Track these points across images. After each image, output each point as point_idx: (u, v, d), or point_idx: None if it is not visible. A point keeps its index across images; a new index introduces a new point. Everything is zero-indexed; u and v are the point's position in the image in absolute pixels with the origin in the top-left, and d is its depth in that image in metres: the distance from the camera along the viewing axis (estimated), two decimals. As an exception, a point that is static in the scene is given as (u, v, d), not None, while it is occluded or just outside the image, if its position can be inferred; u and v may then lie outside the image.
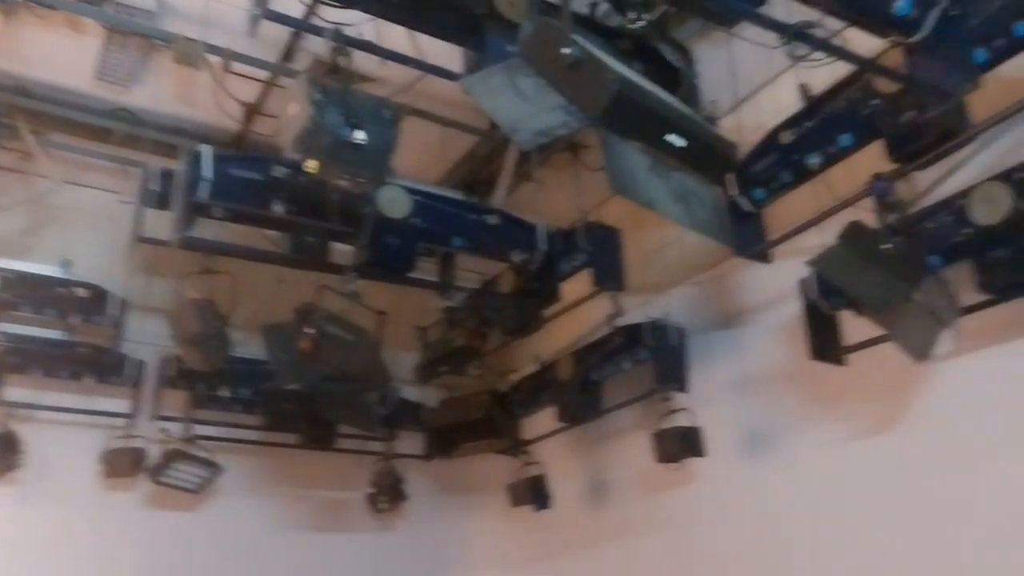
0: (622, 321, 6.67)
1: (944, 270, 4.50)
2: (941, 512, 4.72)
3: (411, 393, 8.27)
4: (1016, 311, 4.54)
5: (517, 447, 7.69)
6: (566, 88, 3.23)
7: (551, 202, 7.35)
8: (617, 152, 4.12)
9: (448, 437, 8.04)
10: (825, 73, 4.94)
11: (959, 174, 4.69)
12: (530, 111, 3.30)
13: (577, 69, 3.19)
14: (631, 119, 3.40)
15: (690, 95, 5.34)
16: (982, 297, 4.49)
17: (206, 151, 5.72)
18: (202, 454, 7.18)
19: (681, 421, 6.03)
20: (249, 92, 6.73)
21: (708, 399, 6.16)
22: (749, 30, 4.99)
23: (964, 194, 4.47)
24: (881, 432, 5.12)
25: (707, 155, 3.77)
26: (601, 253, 6.53)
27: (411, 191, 6.16)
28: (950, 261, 4.51)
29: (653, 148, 3.66)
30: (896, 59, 4.58)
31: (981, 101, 4.42)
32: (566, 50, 3.19)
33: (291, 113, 4.53)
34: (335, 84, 4.64)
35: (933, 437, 4.84)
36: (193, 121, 7.23)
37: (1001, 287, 4.43)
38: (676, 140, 3.48)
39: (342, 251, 6.51)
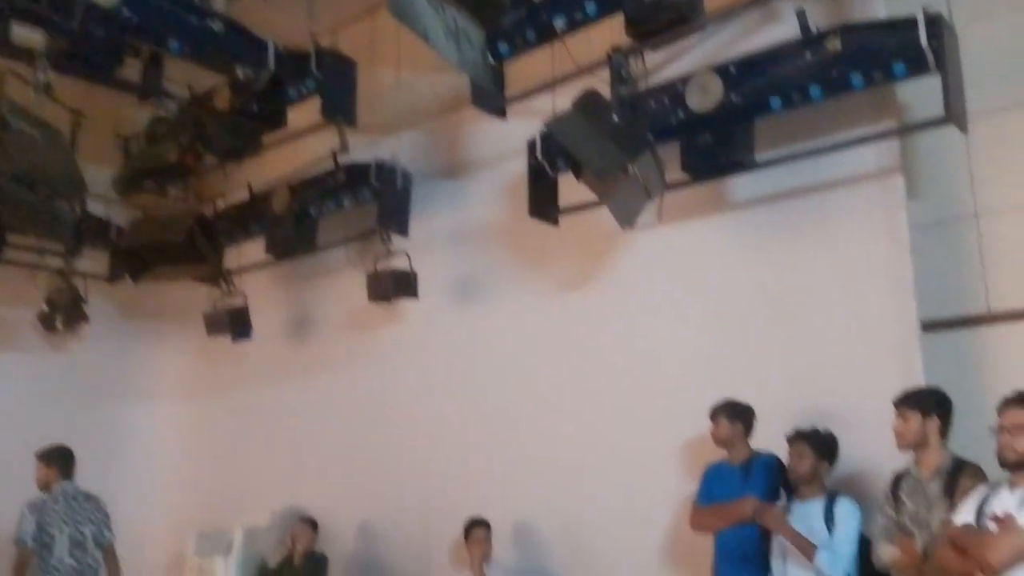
0: (347, 158, 6.52)
1: (658, 147, 4.89)
2: (630, 359, 5.33)
3: (99, 209, 7.47)
4: (709, 192, 5.12)
5: (219, 276, 7.31)
6: None
7: (280, 20, 6.80)
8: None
9: (140, 259, 7.40)
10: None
11: (685, 59, 5.06)
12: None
13: None
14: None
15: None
16: (683, 176, 4.98)
17: None
18: None
19: (397, 264, 6.12)
20: None
21: (426, 245, 6.30)
22: None
23: (684, 80, 4.84)
24: (583, 287, 5.62)
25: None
26: (333, 83, 6.24)
27: (123, -23, 5.35)
28: (664, 139, 4.90)
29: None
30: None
31: (717, -6, 4.77)
32: None
33: None
34: None
35: (628, 295, 5.41)
36: None
37: (700, 169, 4.95)
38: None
39: (29, 36, 5.56)
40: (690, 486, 4.56)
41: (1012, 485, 2.79)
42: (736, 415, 4.37)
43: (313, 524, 6.26)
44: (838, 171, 4.75)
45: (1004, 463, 2.84)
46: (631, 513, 5.12)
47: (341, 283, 6.83)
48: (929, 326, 4.54)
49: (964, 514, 2.89)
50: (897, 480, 3.47)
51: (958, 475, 3.24)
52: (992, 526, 2.73)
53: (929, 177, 4.85)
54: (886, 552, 3.33)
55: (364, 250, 6.50)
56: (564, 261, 5.75)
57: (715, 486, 4.36)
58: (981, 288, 4.78)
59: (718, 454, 4.46)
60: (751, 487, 4.16)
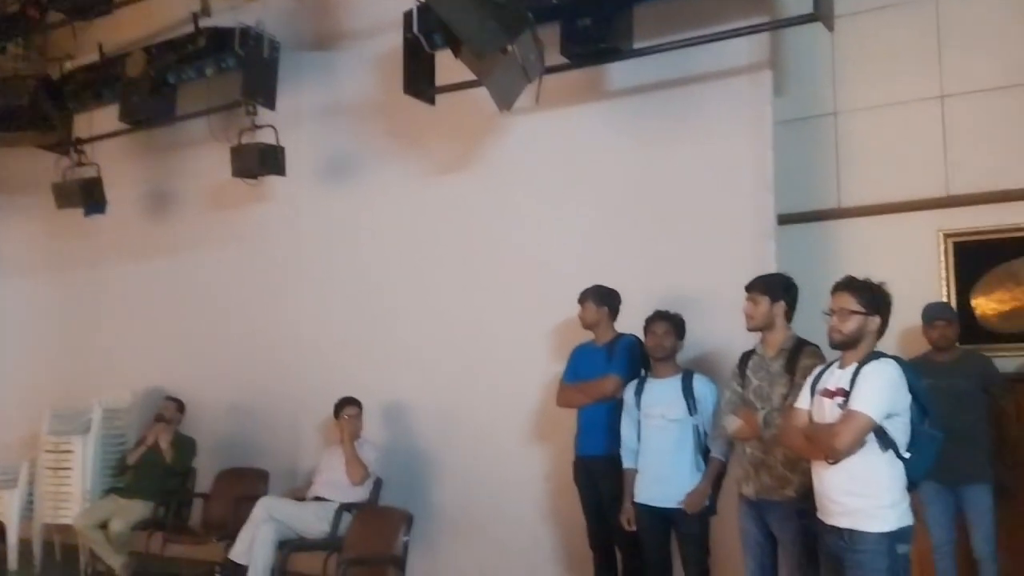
0: (209, 22, 6.08)
1: (538, 28, 4.79)
2: (505, 244, 5.38)
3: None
4: (587, 78, 5.11)
5: (68, 144, 6.82)
6: None
7: None
8: None
9: (-22, 124, 6.81)
10: None
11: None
12: None
13: None
14: None
15: None
16: (563, 60, 4.93)
17: None
18: None
19: (263, 138, 5.85)
20: None
21: (294, 120, 6.04)
22: None
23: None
24: (459, 170, 5.56)
25: None
26: (193, -64, 5.76)
27: None
28: (545, 20, 4.80)
29: None
30: None
31: None
32: None
33: None
34: None
35: (505, 180, 5.41)
36: None
37: (579, 53, 4.91)
38: None
39: None
40: (559, 366, 4.71)
41: (842, 364, 3.02)
42: (603, 299, 4.51)
43: (179, 405, 6.14)
44: (712, 64, 4.83)
45: (832, 343, 3.07)
46: (502, 392, 5.27)
47: (203, 156, 6.51)
48: (785, 219, 4.78)
49: (803, 395, 3.13)
50: (744, 358, 3.69)
51: (798, 354, 3.48)
52: (824, 401, 2.97)
53: (795, 75, 5.01)
54: (731, 423, 3.58)
55: (228, 122, 6.17)
56: (440, 142, 5.66)
57: (581, 365, 4.53)
58: (834, 185, 5.06)
59: (586, 336, 4.61)
60: (614, 366, 4.34)
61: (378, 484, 5.30)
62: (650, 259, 4.86)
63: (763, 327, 3.61)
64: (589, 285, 4.56)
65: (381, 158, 5.88)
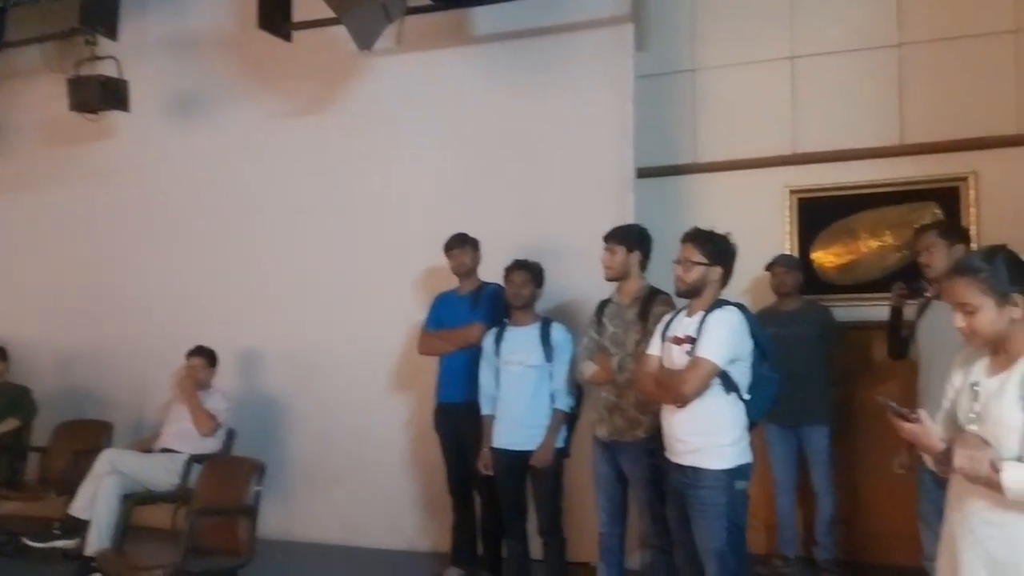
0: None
1: (401, -33, 4.66)
2: (367, 188, 5.25)
3: None
4: (451, 21, 5.02)
5: None
6: None
7: None
8: None
9: None
10: None
11: None
12: None
13: None
14: None
15: None
16: (426, 2, 4.81)
17: None
18: None
19: (105, 71, 5.45)
20: None
21: (139, 52, 5.64)
22: None
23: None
24: (318, 111, 5.36)
25: None
26: None
27: None
28: (408, -41, 4.67)
29: None
30: None
31: None
32: None
33: None
34: None
35: (367, 123, 5.26)
36: None
37: (443, -5, 4.81)
38: None
39: None
40: (420, 314, 4.67)
41: (690, 312, 3.13)
42: (476, 247, 4.49)
43: (1, 352, 5.72)
44: (576, 14, 4.85)
45: (677, 292, 3.19)
46: (362, 340, 5.20)
47: (37, 87, 6.00)
48: (644, 172, 4.88)
49: (654, 342, 3.22)
50: (602, 306, 3.77)
51: (651, 303, 3.58)
52: (673, 347, 3.07)
53: (656, 30, 5.09)
54: (587, 368, 3.67)
55: (64, 51, 5.71)
56: (297, 82, 5.44)
57: (444, 313, 4.51)
58: (691, 140, 5.20)
59: (449, 283, 4.59)
60: (479, 314, 4.34)
61: (231, 434, 5.13)
62: (512, 208, 4.87)
63: (619, 276, 3.69)
64: (451, 233, 4.51)
65: (234, 96, 5.60)
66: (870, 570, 4.53)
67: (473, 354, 4.25)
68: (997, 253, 2.10)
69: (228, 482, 3.95)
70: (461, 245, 4.48)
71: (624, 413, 3.55)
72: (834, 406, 4.49)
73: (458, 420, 4.32)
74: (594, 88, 4.82)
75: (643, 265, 3.72)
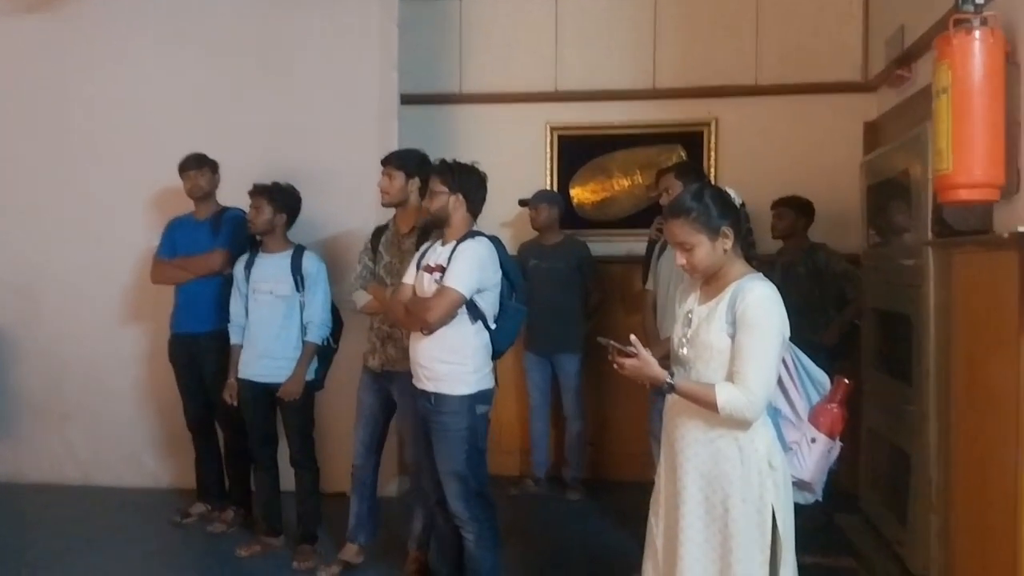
0: None
1: None
2: (101, 100, 4.79)
3: None
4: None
5: None
6: None
7: None
8: None
9: None
10: None
11: None
12: None
13: None
14: None
15: None
16: None
17: None
18: None
19: None
20: None
21: None
22: None
23: None
24: (47, 10, 4.76)
25: None
26: None
27: None
28: None
29: None
30: None
31: None
32: None
33: None
34: None
35: (101, 23, 4.77)
36: None
37: None
38: None
39: None
40: (156, 239, 4.34)
41: (444, 241, 3.12)
42: (207, 168, 4.20)
43: None
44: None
45: (425, 222, 3.19)
46: (93, 267, 4.78)
47: None
48: (408, 99, 4.79)
49: (410, 270, 3.19)
50: (377, 233, 3.67)
51: (428, 233, 3.50)
52: (425, 276, 3.06)
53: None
54: (360, 297, 3.55)
55: None
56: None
57: (180, 239, 4.22)
58: (457, 69, 5.17)
59: (185, 206, 4.29)
60: (220, 240, 4.10)
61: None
62: (269, 130, 4.62)
63: (397, 203, 3.58)
64: (194, 152, 4.20)
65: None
66: (613, 486, 4.86)
67: (218, 282, 4.02)
68: (704, 191, 2.25)
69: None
70: (198, 166, 4.17)
71: (397, 343, 3.47)
72: (587, 336, 4.67)
73: (197, 351, 4.11)
74: (360, 9, 4.63)
75: (422, 193, 3.62)
